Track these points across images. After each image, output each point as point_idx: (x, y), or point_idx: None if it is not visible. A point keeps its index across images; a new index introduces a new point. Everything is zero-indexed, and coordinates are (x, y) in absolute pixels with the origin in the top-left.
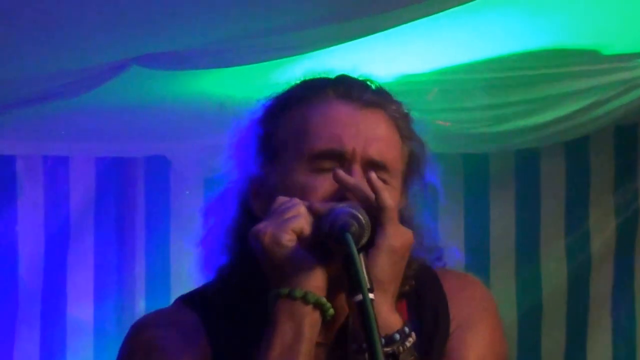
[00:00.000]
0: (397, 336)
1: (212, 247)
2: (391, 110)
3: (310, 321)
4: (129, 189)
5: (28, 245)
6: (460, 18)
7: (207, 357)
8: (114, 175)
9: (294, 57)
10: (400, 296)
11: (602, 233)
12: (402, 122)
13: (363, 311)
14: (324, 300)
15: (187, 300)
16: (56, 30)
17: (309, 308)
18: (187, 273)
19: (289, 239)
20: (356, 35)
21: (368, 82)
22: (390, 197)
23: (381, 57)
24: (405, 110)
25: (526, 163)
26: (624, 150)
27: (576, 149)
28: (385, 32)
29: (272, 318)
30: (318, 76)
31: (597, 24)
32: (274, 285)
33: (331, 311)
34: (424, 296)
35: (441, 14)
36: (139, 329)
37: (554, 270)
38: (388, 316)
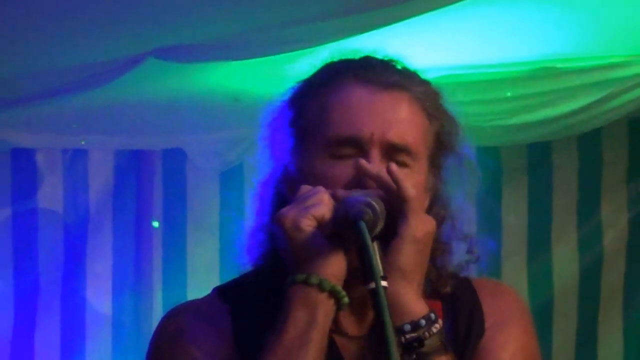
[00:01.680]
0: (423, 322)
1: (252, 235)
2: (415, 90)
3: (325, 309)
4: (147, 182)
5: (48, 237)
6: (471, 15)
7: (229, 344)
8: (131, 167)
9: (308, 50)
10: (436, 297)
11: (615, 226)
12: (428, 102)
13: (375, 298)
14: (339, 288)
15: (221, 290)
16: (74, 24)
17: (324, 296)
18: (203, 264)
19: (308, 224)
20: (367, 28)
21: (392, 63)
22: (412, 187)
23: (393, 51)
24: (434, 90)
25: (538, 156)
26: (636, 143)
27: (589, 142)
28: (396, 25)
29: (286, 303)
30: (343, 57)
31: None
32: (291, 270)
33: (346, 299)
34: (458, 300)
35: (453, 10)
36: (170, 317)
37: (565, 263)
38: (414, 303)
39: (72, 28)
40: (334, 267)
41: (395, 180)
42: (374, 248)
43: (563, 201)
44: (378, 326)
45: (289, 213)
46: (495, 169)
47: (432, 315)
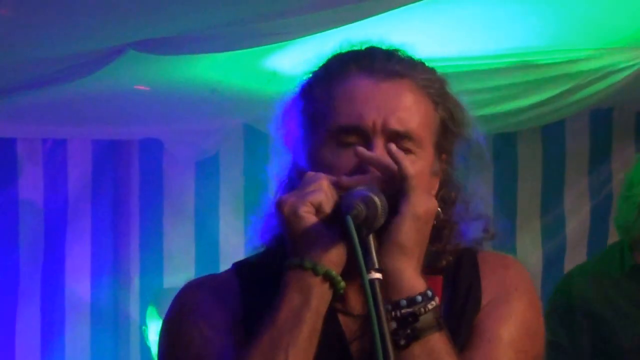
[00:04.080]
0: (419, 298)
1: (266, 220)
2: (419, 78)
3: (319, 292)
4: (124, 171)
5: (28, 224)
6: (439, 10)
7: (237, 319)
8: (109, 157)
9: (286, 43)
10: (437, 271)
11: (577, 215)
12: (432, 89)
13: (364, 292)
14: (334, 273)
15: (239, 267)
16: (54, 15)
17: (318, 279)
18: (179, 250)
19: (306, 211)
20: (347, 21)
21: (395, 52)
22: (411, 166)
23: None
24: (438, 77)
25: (504, 146)
26: (598, 134)
27: (552, 133)
28: (371, 18)
29: (282, 286)
30: (348, 49)
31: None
32: (289, 254)
33: (342, 284)
34: (459, 274)
35: (424, 4)
36: (183, 291)
37: (529, 251)
38: (412, 279)
39: (53, 20)
40: (331, 254)
41: (394, 159)
42: (370, 242)
43: (527, 191)
44: (369, 319)
45: (289, 200)
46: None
47: (429, 293)
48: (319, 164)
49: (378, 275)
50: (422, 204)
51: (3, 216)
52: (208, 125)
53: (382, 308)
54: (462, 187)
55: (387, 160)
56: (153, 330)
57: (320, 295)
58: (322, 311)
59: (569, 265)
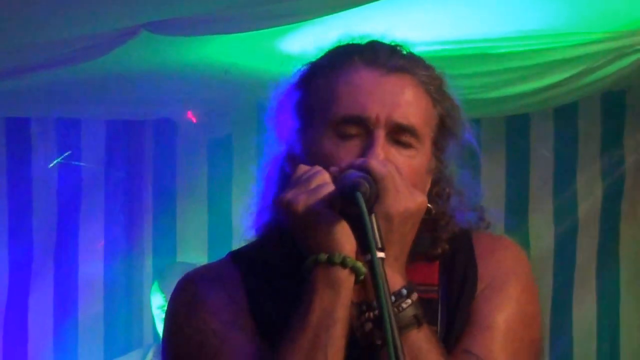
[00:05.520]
0: (393, 298)
1: (259, 214)
2: (420, 74)
3: (347, 286)
4: (137, 151)
5: (42, 204)
6: None
7: (244, 311)
8: (123, 137)
9: (299, 24)
10: (434, 258)
11: (589, 197)
12: (432, 86)
13: (371, 269)
14: (359, 264)
15: (234, 255)
16: None
17: (346, 273)
18: (192, 230)
19: (321, 206)
20: (362, 2)
21: (398, 48)
22: (381, 166)
23: (381, 27)
24: (438, 75)
25: (516, 128)
26: (611, 116)
27: (565, 115)
28: (381, 2)
29: (310, 284)
30: (349, 42)
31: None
32: (309, 251)
33: (363, 276)
34: (455, 259)
35: None
36: (186, 283)
37: (542, 232)
38: (387, 277)
39: (66, 2)
40: (350, 243)
41: (360, 166)
42: (372, 220)
43: (539, 172)
44: (376, 295)
45: (299, 197)
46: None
47: (404, 291)
48: (317, 155)
49: (382, 255)
50: (396, 204)
51: (17, 196)
52: (221, 106)
53: (388, 289)
54: (455, 182)
55: (370, 165)
56: (154, 304)
57: (348, 289)
58: (349, 304)
59: (580, 246)
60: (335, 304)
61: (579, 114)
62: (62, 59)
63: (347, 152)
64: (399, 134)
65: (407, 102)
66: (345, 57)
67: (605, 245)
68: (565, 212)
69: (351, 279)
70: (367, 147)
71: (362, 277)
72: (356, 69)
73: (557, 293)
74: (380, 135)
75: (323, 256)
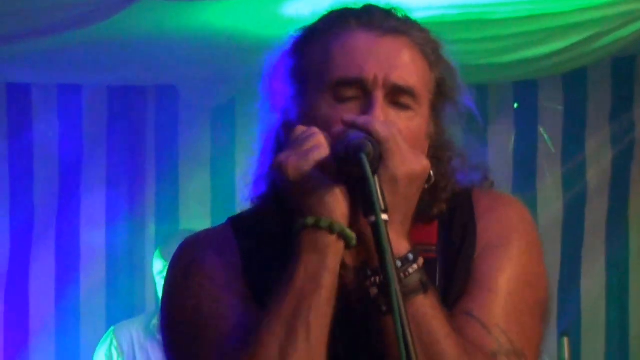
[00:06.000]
0: (399, 263)
1: (255, 183)
2: (416, 37)
3: (335, 251)
4: (139, 117)
5: (43, 170)
6: None
7: (239, 276)
8: (125, 103)
9: None
10: (433, 218)
11: (598, 163)
12: (428, 49)
13: (375, 231)
14: (348, 231)
15: (233, 220)
16: None
17: (334, 238)
18: (195, 197)
19: (312, 169)
20: None
21: (393, 11)
22: (384, 128)
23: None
24: (434, 38)
25: (525, 94)
26: (620, 82)
27: (574, 81)
28: None
29: (296, 248)
30: (344, 6)
31: None
32: (299, 214)
33: (354, 242)
34: (454, 217)
35: None
36: (184, 249)
37: (550, 198)
38: (392, 242)
39: None
40: (342, 208)
41: (363, 126)
42: (375, 181)
43: (549, 139)
44: (379, 257)
45: (289, 160)
46: (482, 106)
47: (410, 256)
48: (314, 119)
49: (386, 217)
50: (401, 166)
51: (18, 163)
52: (224, 72)
53: (392, 252)
54: (456, 146)
55: (363, 122)
56: (155, 270)
57: (335, 254)
58: (337, 270)
59: (589, 213)
60: (320, 270)
61: (588, 80)
62: (64, 24)
63: (346, 115)
64: (397, 95)
65: (404, 64)
66: (341, 20)
67: (614, 212)
68: (574, 178)
69: (339, 244)
70: (366, 109)
71: (353, 243)
72: (352, 31)
73: (565, 261)
74: (379, 96)
75: (310, 220)
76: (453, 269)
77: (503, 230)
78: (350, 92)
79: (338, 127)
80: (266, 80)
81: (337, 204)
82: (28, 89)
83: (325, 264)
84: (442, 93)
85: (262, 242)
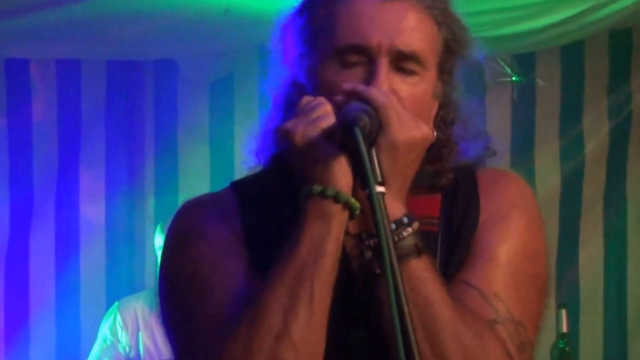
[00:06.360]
0: (394, 225)
1: (262, 138)
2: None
3: (339, 220)
4: (138, 91)
5: (42, 145)
6: None
7: (239, 240)
8: (123, 78)
9: None
10: (437, 190)
11: (596, 135)
12: (437, 10)
13: (371, 203)
14: (353, 200)
15: (235, 185)
16: None
17: (339, 207)
18: (194, 170)
19: (319, 137)
20: None
21: None
22: (382, 96)
23: None
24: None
25: (523, 66)
26: (618, 54)
27: (571, 54)
28: None
29: (302, 215)
30: None
31: None
32: (305, 182)
33: (358, 211)
34: (457, 191)
35: None
36: (184, 211)
37: (548, 171)
38: (389, 206)
39: None
40: (347, 177)
41: (360, 93)
42: (371, 153)
43: (546, 111)
44: (374, 226)
45: (297, 128)
46: (480, 78)
47: (405, 219)
48: (320, 83)
49: (382, 189)
50: (401, 133)
51: (17, 139)
52: (222, 46)
53: (387, 222)
54: (461, 107)
55: (362, 89)
56: (156, 245)
57: (341, 223)
58: (341, 239)
59: (587, 185)
60: (325, 237)
61: (585, 52)
62: None
63: (349, 81)
64: (402, 61)
65: (410, 28)
66: None
67: (612, 183)
68: (571, 151)
69: (344, 213)
70: (370, 76)
71: (357, 212)
72: None
73: (563, 233)
74: (383, 63)
75: (317, 188)
76: (455, 242)
77: (504, 206)
78: (355, 58)
79: (340, 95)
80: (277, 37)
81: (343, 173)
82: (26, 64)
83: (330, 232)
84: (450, 52)
85: (264, 205)
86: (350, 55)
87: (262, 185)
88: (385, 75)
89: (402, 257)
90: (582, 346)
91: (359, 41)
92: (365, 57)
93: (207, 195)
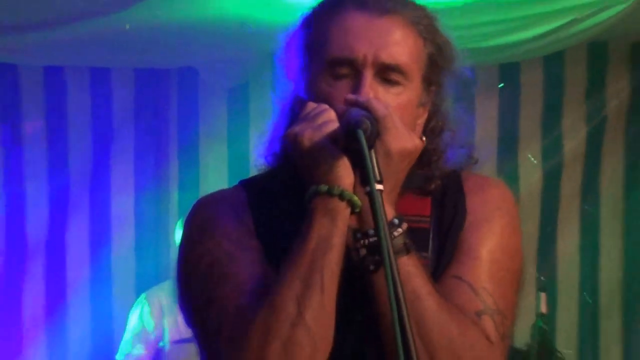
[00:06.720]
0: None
1: (270, 144)
2: (410, 15)
3: (343, 216)
4: (163, 96)
5: (77, 145)
6: None
7: (251, 233)
8: (150, 84)
9: None
10: (427, 193)
11: (574, 137)
12: (422, 25)
13: (370, 199)
14: (355, 198)
15: (244, 183)
16: None
17: (343, 204)
18: (214, 168)
19: (325, 141)
20: None
21: None
22: (383, 107)
23: None
24: (428, 14)
25: (508, 75)
26: (594, 65)
27: (553, 63)
28: None
29: (310, 212)
30: None
31: None
32: (311, 182)
33: (359, 208)
34: (446, 195)
35: None
36: (199, 207)
37: (530, 171)
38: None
39: None
40: (349, 178)
41: (364, 105)
42: (371, 155)
43: (529, 115)
44: (375, 222)
45: (305, 132)
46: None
47: (396, 220)
48: (316, 94)
49: (380, 187)
50: (396, 142)
51: (54, 138)
52: (239, 56)
53: (385, 218)
54: (449, 117)
55: (370, 101)
56: (177, 239)
57: (345, 219)
58: (345, 233)
59: (565, 182)
60: (332, 232)
61: (565, 62)
62: (93, 12)
63: (339, 92)
64: (386, 72)
65: (394, 42)
66: (339, 2)
67: (587, 181)
68: (551, 151)
69: (347, 210)
70: (356, 87)
71: (358, 209)
72: (348, 12)
73: (543, 225)
74: (368, 75)
75: (323, 187)
76: (444, 240)
77: (488, 208)
78: (343, 70)
79: (340, 105)
80: (281, 52)
81: (346, 174)
82: (63, 71)
83: (336, 227)
84: (436, 65)
85: (271, 202)
86: (339, 67)
87: (268, 185)
88: (370, 85)
89: (393, 254)
90: (559, 325)
91: (346, 54)
92: (352, 69)
93: (219, 192)
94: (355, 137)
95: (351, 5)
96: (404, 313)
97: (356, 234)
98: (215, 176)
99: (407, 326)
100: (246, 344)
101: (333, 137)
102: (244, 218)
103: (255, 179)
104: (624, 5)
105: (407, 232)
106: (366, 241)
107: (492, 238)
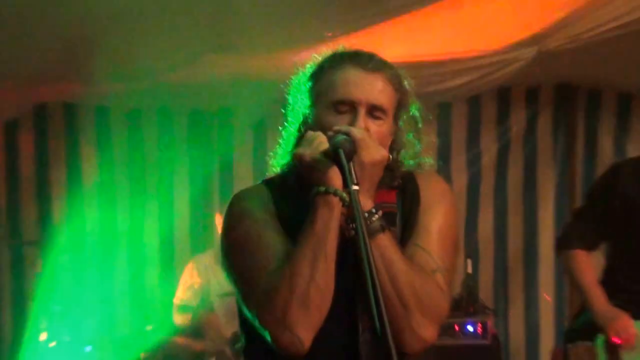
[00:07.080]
0: (367, 214)
1: (282, 153)
2: (388, 72)
3: (338, 208)
4: (208, 130)
5: (153, 174)
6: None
7: (274, 217)
8: (197, 121)
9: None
10: (393, 188)
11: (488, 152)
12: (395, 80)
13: (350, 197)
14: (344, 194)
15: (266, 181)
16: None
17: (337, 199)
18: (243, 179)
19: (320, 157)
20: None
21: (373, 55)
22: (358, 132)
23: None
24: (398, 73)
25: (443, 111)
26: (502, 101)
27: (474, 102)
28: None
29: (314, 206)
30: (343, 51)
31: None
32: (313, 184)
33: (347, 202)
34: (406, 189)
35: None
36: (234, 199)
37: (459, 175)
38: (362, 202)
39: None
40: (339, 181)
41: (345, 131)
42: (350, 166)
43: (458, 138)
44: (353, 212)
45: (306, 152)
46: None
47: (373, 210)
48: (322, 124)
49: (356, 187)
50: (368, 156)
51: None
52: (258, 100)
53: (361, 208)
54: (405, 139)
55: (353, 130)
56: (217, 222)
57: (339, 209)
58: (339, 219)
59: (483, 183)
60: (330, 218)
61: (482, 101)
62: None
63: (339, 123)
64: (374, 111)
65: (379, 91)
66: (340, 60)
67: (498, 181)
68: (473, 161)
69: (340, 203)
70: (354, 119)
71: (346, 203)
72: (347, 68)
73: (468, 212)
74: (362, 112)
75: (322, 188)
76: (407, 219)
77: (435, 196)
78: (344, 108)
79: (331, 132)
80: (292, 93)
81: (337, 178)
82: (139, 114)
83: (333, 215)
84: (401, 107)
85: (286, 195)
86: (341, 106)
87: (284, 183)
88: (363, 119)
89: (372, 233)
90: (481, 281)
91: (347, 97)
92: (350, 107)
93: (249, 188)
94: (337, 154)
95: (349, 63)
96: (374, 272)
97: (347, 219)
98: (244, 184)
99: (376, 280)
100: (275, 295)
101: (325, 154)
102: (268, 206)
103: (273, 179)
104: (521, 63)
105: (381, 217)
106: (353, 225)
107: (439, 217)
